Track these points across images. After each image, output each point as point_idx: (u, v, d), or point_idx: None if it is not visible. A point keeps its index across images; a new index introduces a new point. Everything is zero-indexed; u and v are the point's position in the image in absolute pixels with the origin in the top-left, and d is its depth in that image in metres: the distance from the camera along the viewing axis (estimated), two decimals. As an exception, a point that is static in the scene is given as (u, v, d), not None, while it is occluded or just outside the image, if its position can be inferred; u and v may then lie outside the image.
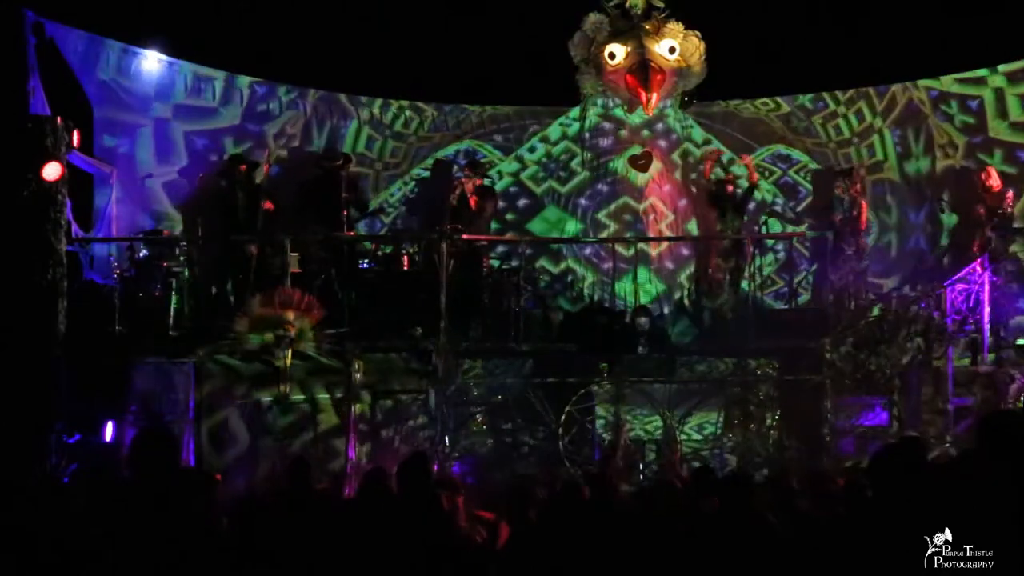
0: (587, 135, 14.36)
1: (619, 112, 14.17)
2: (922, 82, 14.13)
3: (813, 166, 14.64)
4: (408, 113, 14.75)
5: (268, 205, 12.82)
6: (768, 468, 10.76)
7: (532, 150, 14.84)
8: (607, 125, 14.33)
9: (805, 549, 5.32)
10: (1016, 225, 13.05)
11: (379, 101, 14.61)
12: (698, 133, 14.62)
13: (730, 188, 13.59)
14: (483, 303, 12.48)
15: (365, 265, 12.71)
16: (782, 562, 5.40)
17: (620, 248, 13.60)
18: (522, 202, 14.74)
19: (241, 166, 12.91)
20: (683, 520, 5.90)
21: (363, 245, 13.03)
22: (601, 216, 14.24)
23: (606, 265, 13.65)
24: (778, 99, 14.69)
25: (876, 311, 12.15)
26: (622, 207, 14.16)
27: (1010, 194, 12.97)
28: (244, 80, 13.94)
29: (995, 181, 13.03)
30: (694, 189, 14.25)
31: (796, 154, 14.73)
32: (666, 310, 13.64)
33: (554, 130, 14.84)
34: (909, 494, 4.53)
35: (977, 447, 4.52)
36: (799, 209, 14.55)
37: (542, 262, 14.41)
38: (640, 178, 14.08)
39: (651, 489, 7.44)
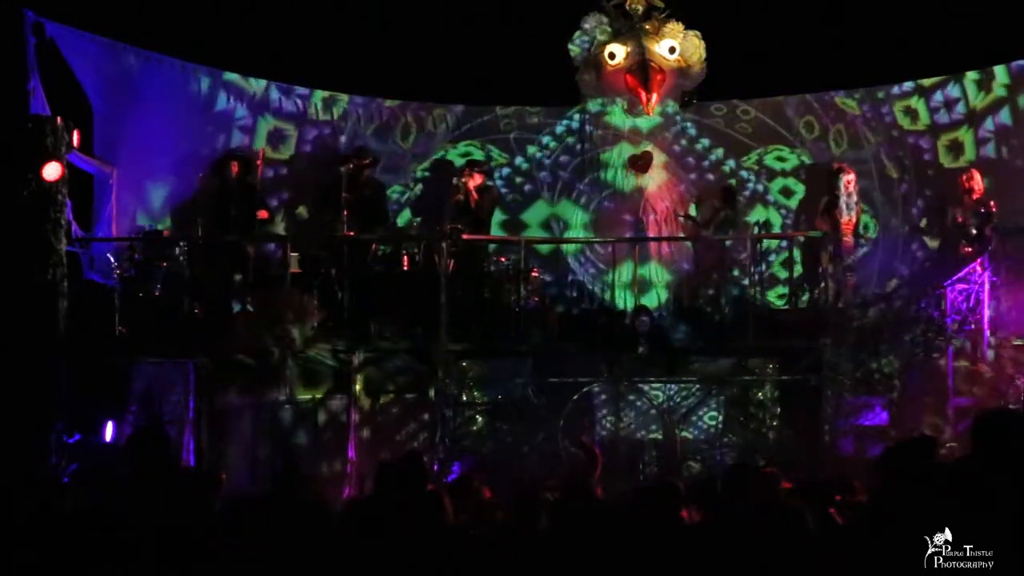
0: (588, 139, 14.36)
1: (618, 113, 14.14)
2: None
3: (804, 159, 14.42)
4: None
5: (262, 214, 12.69)
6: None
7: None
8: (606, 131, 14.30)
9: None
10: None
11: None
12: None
13: None
14: (484, 303, 12.46)
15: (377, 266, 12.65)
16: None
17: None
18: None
19: (233, 164, 12.82)
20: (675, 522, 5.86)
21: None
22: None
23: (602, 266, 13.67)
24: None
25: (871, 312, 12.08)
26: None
27: (993, 203, 12.45)
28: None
29: (977, 185, 12.63)
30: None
31: (787, 153, 14.57)
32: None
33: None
34: (914, 494, 4.52)
35: (973, 447, 4.51)
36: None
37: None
38: (642, 180, 14.04)
39: (648, 489, 7.38)
